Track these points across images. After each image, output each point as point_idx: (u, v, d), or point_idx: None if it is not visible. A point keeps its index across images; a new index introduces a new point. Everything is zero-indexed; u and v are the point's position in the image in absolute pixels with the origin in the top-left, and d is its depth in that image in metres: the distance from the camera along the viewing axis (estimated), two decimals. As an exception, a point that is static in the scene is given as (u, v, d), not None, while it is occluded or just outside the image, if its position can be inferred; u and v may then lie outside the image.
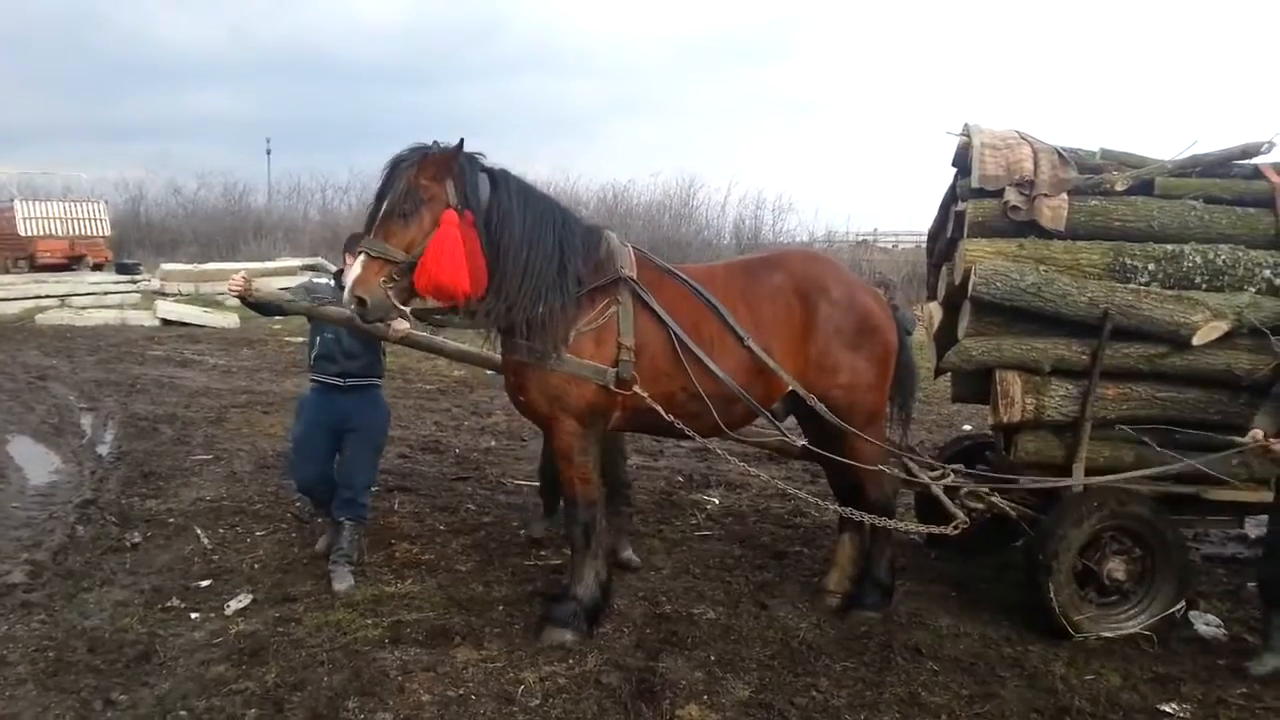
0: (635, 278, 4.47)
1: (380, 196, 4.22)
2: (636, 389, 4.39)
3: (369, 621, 4.69)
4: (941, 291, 5.49)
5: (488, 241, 4.20)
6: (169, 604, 4.89)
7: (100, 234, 27.43)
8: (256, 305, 5.26)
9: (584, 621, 4.52)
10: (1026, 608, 4.89)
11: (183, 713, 3.83)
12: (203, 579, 5.24)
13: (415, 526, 6.22)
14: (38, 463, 7.90)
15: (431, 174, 4.13)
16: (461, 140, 4.23)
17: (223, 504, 6.60)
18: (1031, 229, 5.01)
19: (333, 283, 5.31)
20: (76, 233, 26.42)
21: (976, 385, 5.32)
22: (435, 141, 4.25)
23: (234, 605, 4.88)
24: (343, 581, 5.14)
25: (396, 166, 4.17)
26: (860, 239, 28.37)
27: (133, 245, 32.96)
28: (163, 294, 21.23)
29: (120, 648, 4.39)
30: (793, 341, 4.70)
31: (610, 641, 4.56)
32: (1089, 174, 5.13)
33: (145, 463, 7.62)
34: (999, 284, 4.82)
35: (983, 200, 5.09)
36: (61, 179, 35.23)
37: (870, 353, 4.80)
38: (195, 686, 4.05)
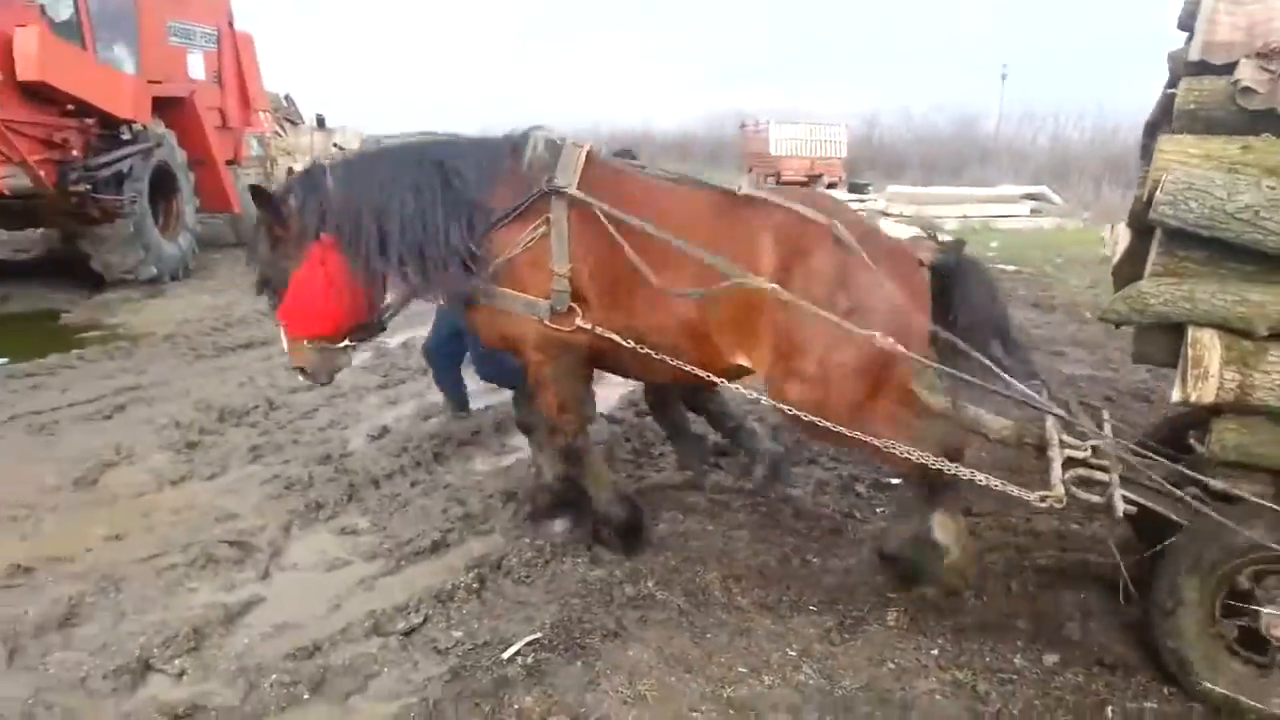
0: (574, 186, 3.73)
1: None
2: (579, 322, 3.75)
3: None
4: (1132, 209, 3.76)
5: (350, 243, 3.85)
6: (857, 490, 5.30)
7: (837, 155, 30.12)
8: None
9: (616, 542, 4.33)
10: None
11: (863, 588, 4.15)
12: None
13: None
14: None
15: (276, 217, 3.99)
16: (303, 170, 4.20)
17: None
18: (1272, 122, 3.16)
19: None
20: (817, 154, 29.37)
21: (1165, 344, 3.41)
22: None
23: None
24: None
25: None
26: None
27: (864, 166, 35.53)
28: (886, 214, 22.57)
29: (818, 519, 4.92)
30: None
31: None
32: None
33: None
34: (1193, 203, 3.09)
35: (1202, 79, 3.29)
36: (808, 104, 39.20)
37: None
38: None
